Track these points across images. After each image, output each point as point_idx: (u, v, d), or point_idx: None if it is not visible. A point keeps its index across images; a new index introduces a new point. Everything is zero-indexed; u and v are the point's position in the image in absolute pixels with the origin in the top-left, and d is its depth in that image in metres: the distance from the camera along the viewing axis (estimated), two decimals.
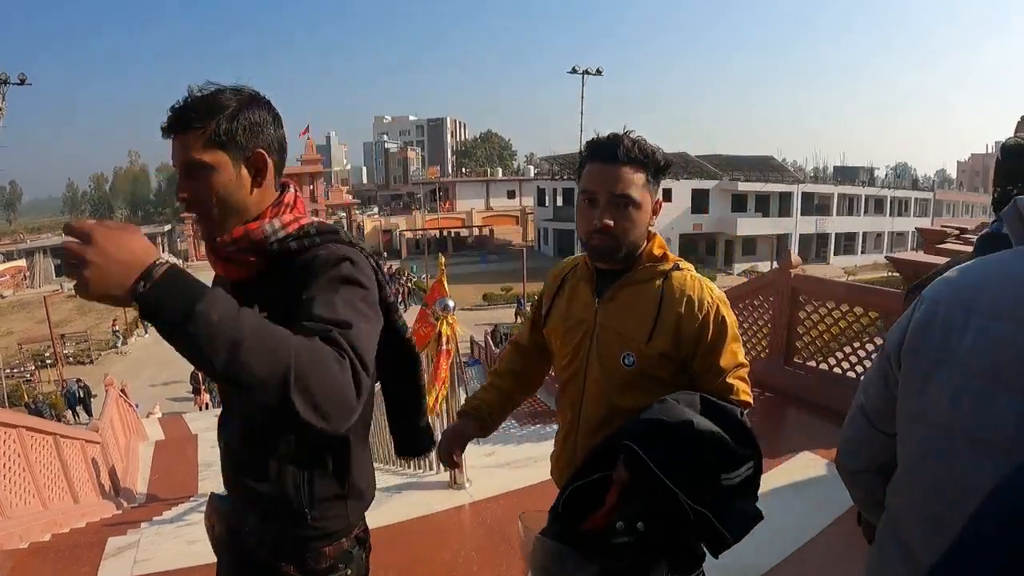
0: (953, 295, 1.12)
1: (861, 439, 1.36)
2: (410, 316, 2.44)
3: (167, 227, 67.90)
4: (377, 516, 4.48)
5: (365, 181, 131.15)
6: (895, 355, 1.18)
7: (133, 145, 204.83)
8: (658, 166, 1.85)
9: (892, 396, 1.20)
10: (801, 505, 4.22)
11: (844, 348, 6.19)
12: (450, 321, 4.53)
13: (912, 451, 1.17)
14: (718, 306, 1.82)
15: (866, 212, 60.18)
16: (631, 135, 1.84)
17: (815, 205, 56.56)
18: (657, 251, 1.89)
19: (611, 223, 1.80)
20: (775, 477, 4.63)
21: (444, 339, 4.46)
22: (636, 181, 1.80)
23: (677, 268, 1.88)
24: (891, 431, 1.24)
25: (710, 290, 1.85)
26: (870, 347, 5.89)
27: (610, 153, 1.81)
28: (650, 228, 1.90)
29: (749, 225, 51.51)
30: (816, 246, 56.29)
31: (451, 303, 4.63)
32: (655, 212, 1.88)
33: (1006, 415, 0.96)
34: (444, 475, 5.15)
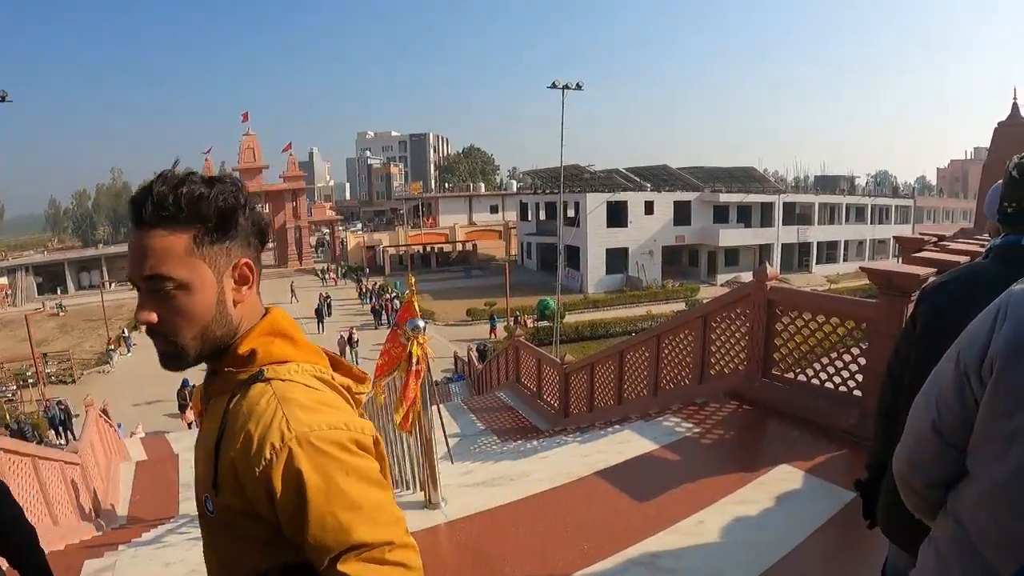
0: None
1: (934, 456, 1.34)
2: None
3: None
4: None
5: (348, 197, 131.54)
6: (976, 373, 1.17)
7: (116, 162, 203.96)
8: (213, 218, 1.22)
9: (970, 414, 1.20)
10: (780, 518, 4.20)
11: (822, 359, 6.18)
12: (420, 342, 4.50)
13: (1006, 471, 1.14)
14: (291, 451, 1.12)
15: (847, 220, 60.63)
16: (173, 175, 1.22)
17: (797, 215, 56.97)
18: (244, 348, 1.27)
19: (153, 318, 1.20)
20: (753, 491, 4.61)
21: (414, 359, 4.43)
22: (173, 250, 1.19)
23: (258, 378, 1.23)
24: (964, 446, 1.24)
25: (286, 423, 1.15)
26: (847, 358, 5.89)
27: (136, 213, 1.21)
28: (239, 307, 1.29)
29: (731, 236, 51.74)
30: (799, 255, 56.64)
31: (421, 324, 4.60)
32: (242, 283, 1.28)
33: None
34: (420, 495, 5.11)
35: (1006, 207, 1.96)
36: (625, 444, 6.20)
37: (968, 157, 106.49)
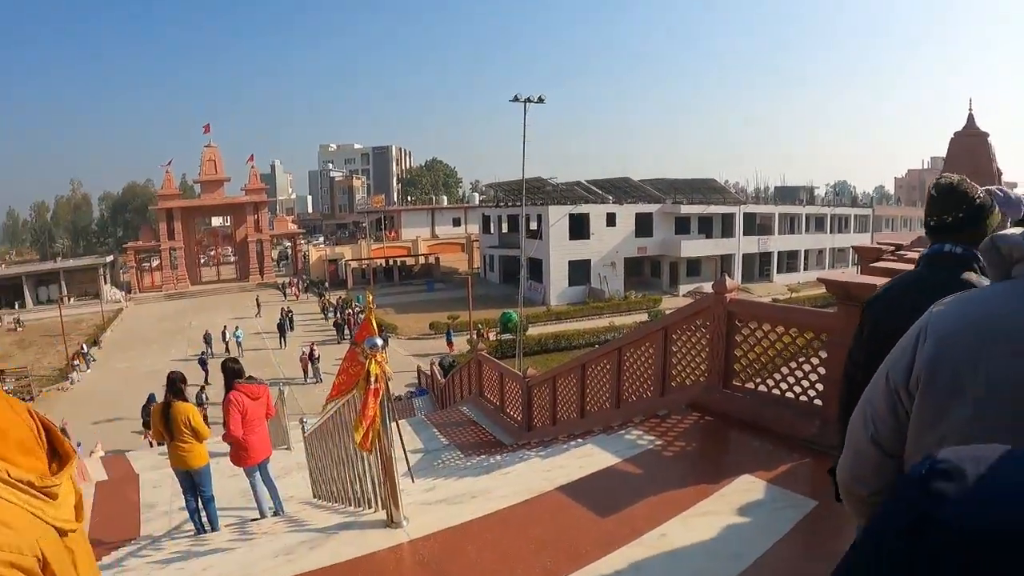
0: (963, 328, 1.20)
1: (873, 467, 1.43)
2: None
3: (109, 258, 66.18)
4: (314, 558, 4.40)
5: (310, 210, 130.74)
6: (904, 389, 1.28)
7: (75, 174, 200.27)
8: None
9: (903, 426, 1.29)
10: (743, 528, 4.20)
11: (782, 369, 6.22)
12: (379, 360, 4.43)
13: None
14: None
15: (807, 230, 61.71)
16: None
17: (757, 225, 57.87)
18: None
19: None
20: (716, 502, 4.61)
21: (373, 378, 4.36)
22: None
23: None
24: (902, 455, 1.33)
25: None
26: (807, 367, 5.93)
27: None
28: None
29: (693, 247, 52.36)
30: (760, 265, 57.50)
31: (379, 341, 4.53)
32: None
33: None
34: (381, 513, 5.03)
35: (929, 220, 2.30)
36: (587, 458, 6.17)
37: (925, 166, 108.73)
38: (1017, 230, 1.34)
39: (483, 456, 9.88)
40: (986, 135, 14.64)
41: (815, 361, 5.86)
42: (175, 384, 7.23)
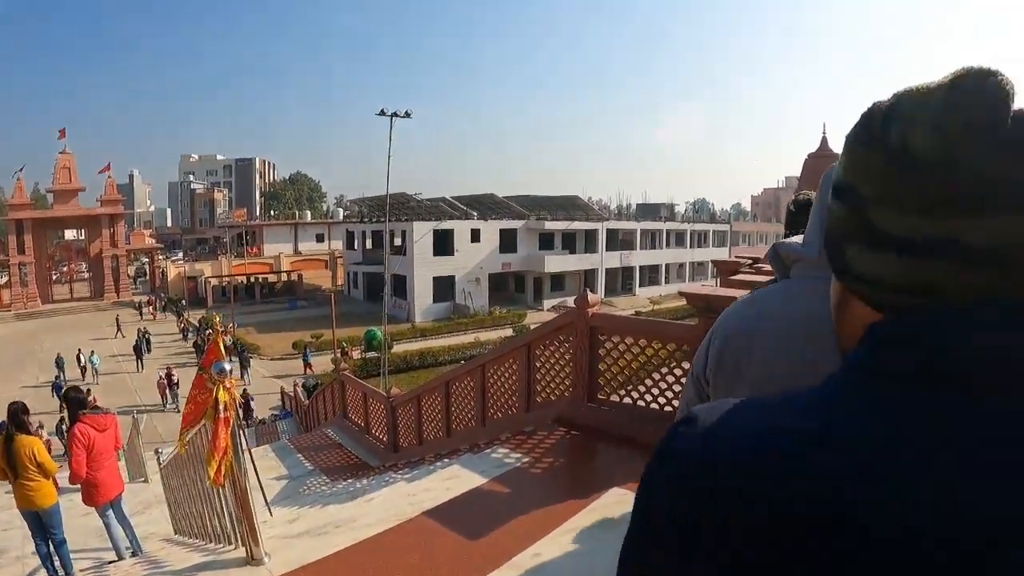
0: (740, 326, 1.41)
1: None
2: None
3: None
4: None
5: (170, 224, 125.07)
6: (703, 377, 1.46)
7: None
8: None
9: None
10: (616, 542, 4.16)
11: (646, 381, 6.32)
12: (227, 386, 4.15)
13: None
14: None
15: (668, 245, 64.18)
16: None
17: (620, 240, 59.53)
18: None
19: None
20: (586, 517, 4.59)
21: (221, 406, 4.07)
22: None
23: None
24: None
25: None
26: (671, 379, 6.05)
27: None
28: None
29: (557, 262, 53.16)
30: (622, 279, 59.14)
31: (227, 366, 4.24)
32: None
33: None
34: (241, 550, 4.73)
35: (788, 234, 2.39)
36: (454, 480, 6.06)
37: (780, 185, 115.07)
38: (798, 238, 1.55)
39: (349, 480, 9.60)
40: (837, 156, 15.69)
41: (678, 372, 5.98)
42: (17, 416, 6.51)
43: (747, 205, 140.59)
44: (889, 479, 0.57)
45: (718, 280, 8.39)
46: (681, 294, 6.35)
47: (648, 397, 6.22)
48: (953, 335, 0.62)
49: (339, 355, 31.46)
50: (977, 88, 0.62)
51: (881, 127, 0.67)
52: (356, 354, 34.92)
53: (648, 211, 75.66)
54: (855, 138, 0.71)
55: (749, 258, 8.34)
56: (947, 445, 0.58)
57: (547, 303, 51.42)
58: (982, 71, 0.63)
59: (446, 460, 7.22)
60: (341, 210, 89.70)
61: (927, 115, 0.63)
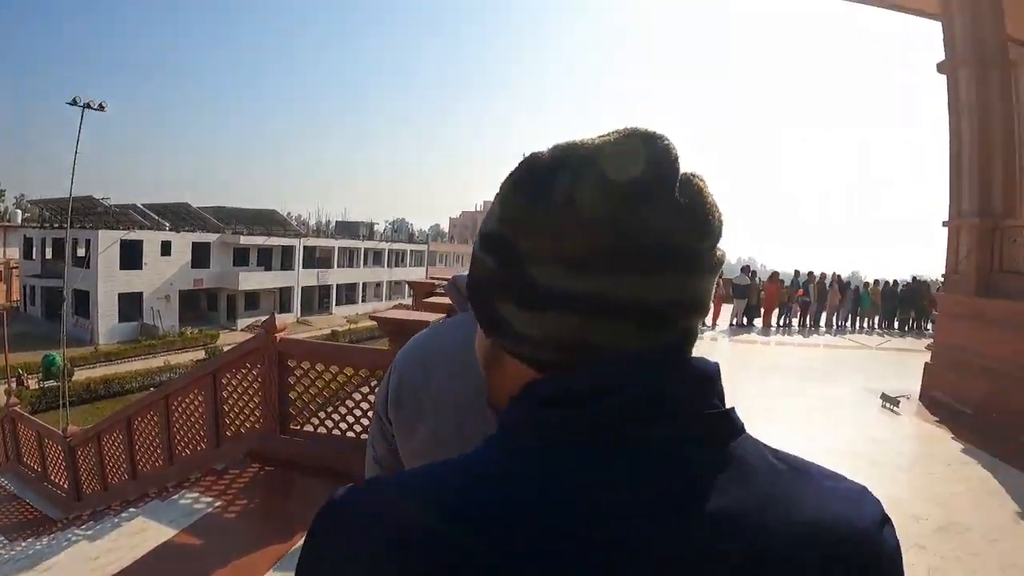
0: (415, 360, 1.40)
1: None
2: None
3: None
4: None
5: None
6: (385, 415, 1.42)
7: None
8: None
9: (393, 445, 1.42)
10: None
11: (340, 408, 6.19)
12: None
13: None
14: None
15: (366, 264, 64.53)
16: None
17: (317, 258, 58.78)
18: None
19: None
20: (293, 560, 4.31)
21: None
22: None
23: None
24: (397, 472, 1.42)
25: None
26: (365, 405, 5.96)
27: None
28: None
29: (252, 279, 50.92)
30: (319, 297, 58.40)
31: None
32: None
33: (472, 437, 1.02)
34: None
35: None
36: (140, 535, 5.40)
37: (478, 209, 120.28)
38: None
39: (30, 540, 8.34)
40: None
41: (372, 398, 5.91)
42: None
43: (445, 226, 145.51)
44: (532, 553, 0.56)
45: (413, 300, 8.52)
46: (372, 318, 6.33)
47: (343, 425, 6.10)
48: (608, 388, 0.61)
49: (14, 385, 27.29)
50: (645, 149, 0.63)
51: (547, 180, 0.64)
52: (33, 384, 30.66)
53: (347, 229, 75.31)
54: (513, 189, 0.67)
55: (445, 279, 8.57)
56: (599, 508, 0.57)
57: (241, 322, 49.03)
58: (647, 133, 0.64)
59: (132, 510, 6.46)
60: (20, 212, 77.40)
61: (593, 171, 0.62)
